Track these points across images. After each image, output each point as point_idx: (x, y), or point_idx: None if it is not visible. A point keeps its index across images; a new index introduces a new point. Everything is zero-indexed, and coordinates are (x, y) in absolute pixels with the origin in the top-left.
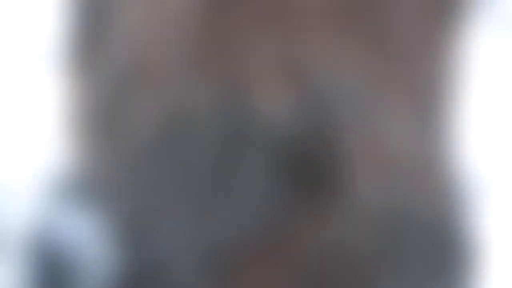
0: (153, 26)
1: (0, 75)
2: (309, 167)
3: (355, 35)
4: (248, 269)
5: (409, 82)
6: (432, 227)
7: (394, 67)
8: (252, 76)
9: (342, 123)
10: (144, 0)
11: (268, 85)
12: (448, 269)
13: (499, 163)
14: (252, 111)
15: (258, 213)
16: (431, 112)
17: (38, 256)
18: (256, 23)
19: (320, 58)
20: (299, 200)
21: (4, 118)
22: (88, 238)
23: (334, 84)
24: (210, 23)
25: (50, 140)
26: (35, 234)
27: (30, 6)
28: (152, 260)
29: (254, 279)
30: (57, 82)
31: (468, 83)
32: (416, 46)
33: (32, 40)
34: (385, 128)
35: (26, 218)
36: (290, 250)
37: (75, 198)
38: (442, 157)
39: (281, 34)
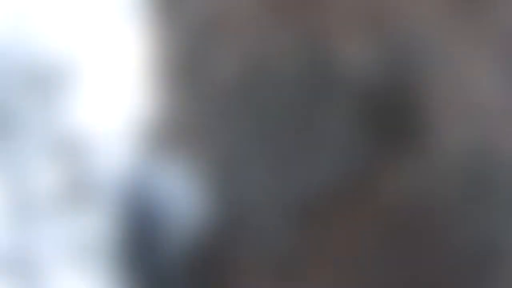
0: None
1: (86, 25)
2: (393, 116)
3: None
4: (331, 217)
5: (493, 31)
6: None
7: (478, 15)
8: (335, 25)
9: (426, 71)
10: None
11: (351, 33)
12: None
13: None
14: (335, 60)
15: (342, 162)
16: None
17: (129, 205)
18: None
19: (403, 6)
20: (383, 149)
21: (92, 69)
22: (177, 187)
23: (418, 32)
24: None
25: (137, 90)
26: (125, 184)
27: None
28: (238, 208)
29: (337, 226)
30: (142, 32)
31: None
32: None
33: None
34: (470, 76)
35: (117, 168)
36: (374, 198)
37: (163, 147)
38: None
39: None
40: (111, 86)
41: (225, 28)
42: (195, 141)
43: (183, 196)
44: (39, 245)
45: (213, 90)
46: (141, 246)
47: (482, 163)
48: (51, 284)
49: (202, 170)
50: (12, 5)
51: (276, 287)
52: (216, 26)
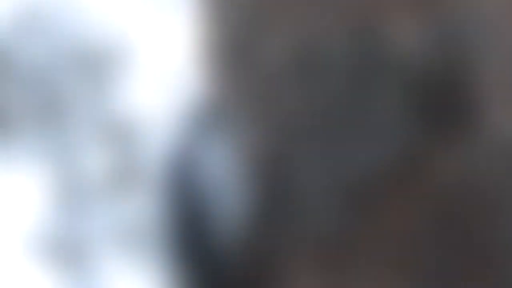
0: None
1: (137, 9)
2: (444, 99)
3: None
4: (383, 201)
5: None
6: None
7: None
8: (385, 7)
9: (478, 54)
10: None
11: (402, 15)
12: None
13: None
14: (385, 42)
15: (393, 145)
16: None
17: (178, 190)
18: None
19: None
20: (434, 132)
21: (142, 53)
22: (226, 171)
23: (469, 15)
24: None
25: (188, 74)
26: (174, 169)
27: None
28: (287, 191)
29: (389, 210)
30: (192, 15)
31: None
32: None
33: None
34: None
35: (166, 152)
36: (425, 182)
37: (214, 129)
38: None
39: None
40: (162, 70)
41: (275, 11)
42: (245, 124)
43: (232, 180)
44: (87, 229)
45: (263, 73)
46: (188, 230)
47: None
48: (98, 268)
49: (252, 153)
50: None
51: (323, 274)
52: (266, 9)
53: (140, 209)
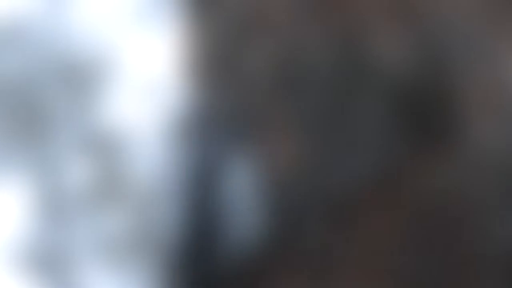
0: None
1: (122, 20)
2: (427, 110)
3: None
4: (364, 212)
5: None
6: None
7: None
8: (369, 20)
9: (459, 67)
10: None
11: (385, 28)
12: None
13: None
14: (369, 55)
15: (375, 157)
16: None
17: (163, 201)
18: None
19: (435, 2)
20: (416, 145)
21: (127, 65)
22: (213, 182)
23: (453, 27)
24: None
25: (172, 86)
26: (159, 180)
27: None
28: (270, 202)
29: (370, 222)
30: (179, 27)
31: None
32: None
33: None
34: (507, 71)
35: (150, 164)
36: (407, 194)
37: (198, 143)
38: None
39: None
40: (146, 83)
41: (260, 23)
42: (230, 135)
43: (216, 190)
44: (72, 241)
45: (249, 85)
46: (163, 244)
47: None
48: (83, 280)
49: (236, 164)
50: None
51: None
52: (252, 21)
53: (124, 222)
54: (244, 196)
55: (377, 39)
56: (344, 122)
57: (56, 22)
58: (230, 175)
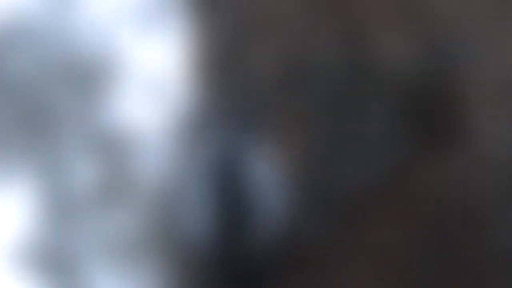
0: None
1: (128, 21)
2: (431, 112)
3: None
4: (371, 212)
5: None
6: None
7: None
8: (373, 20)
9: (464, 67)
10: None
11: (390, 28)
12: None
13: None
14: (373, 55)
15: (381, 155)
16: None
17: (168, 201)
18: None
19: (439, 2)
20: (421, 144)
21: (132, 65)
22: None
23: (458, 26)
24: None
25: (177, 86)
26: (165, 181)
27: None
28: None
29: (377, 221)
30: (183, 28)
31: None
32: None
33: None
34: (509, 71)
35: (156, 164)
36: (414, 193)
37: (202, 143)
38: None
39: None
40: (151, 82)
41: (264, 25)
42: (234, 134)
43: (216, 191)
44: (79, 242)
45: (254, 85)
46: (176, 243)
47: None
48: (90, 281)
49: (241, 164)
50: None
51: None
52: (257, 21)
53: (130, 222)
54: (257, 193)
55: (382, 39)
56: (349, 122)
57: (62, 23)
58: (240, 172)
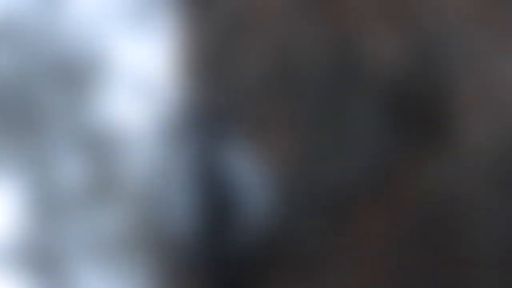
0: None
1: (116, 20)
2: (420, 112)
3: None
4: (359, 212)
5: None
6: None
7: (509, 13)
8: (361, 19)
9: (453, 67)
10: None
11: (378, 28)
12: None
13: None
14: (362, 55)
15: (369, 157)
16: None
17: (157, 200)
18: None
19: (429, 2)
20: (410, 144)
21: (121, 64)
22: (202, 178)
23: (446, 27)
24: None
25: (166, 85)
26: (153, 179)
27: None
28: (261, 203)
29: (366, 221)
30: (173, 27)
31: None
32: None
33: None
34: (499, 71)
35: (144, 163)
36: (401, 193)
37: (191, 142)
38: None
39: None
40: (140, 81)
41: (252, 25)
42: (224, 133)
43: (204, 189)
44: (66, 240)
45: (242, 83)
46: (161, 242)
47: (507, 157)
48: (77, 280)
49: (229, 162)
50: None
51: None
52: (245, 20)
53: (118, 220)
54: (241, 193)
55: (371, 39)
56: (338, 122)
57: (50, 20)
58: (225, 172)
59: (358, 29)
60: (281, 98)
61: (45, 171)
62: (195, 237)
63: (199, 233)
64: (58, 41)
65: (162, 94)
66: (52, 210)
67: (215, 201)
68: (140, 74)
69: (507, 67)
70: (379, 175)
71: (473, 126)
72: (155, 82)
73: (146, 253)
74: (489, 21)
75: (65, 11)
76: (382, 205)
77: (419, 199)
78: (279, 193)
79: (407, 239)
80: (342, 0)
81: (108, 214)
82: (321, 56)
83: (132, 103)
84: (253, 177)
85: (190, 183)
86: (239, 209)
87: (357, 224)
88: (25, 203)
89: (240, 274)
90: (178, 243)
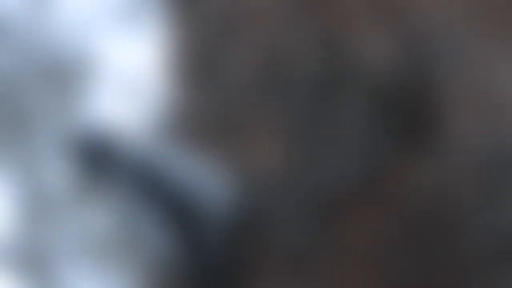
0: None
1: (105, 19)
2: (410, 111)
3: None
4: (349, 211)
5: None
6: None
7: (499, 12)
8: (353, 20)
9: (444, 67)
10: None
11: (369, 28)
12: None
13: None
14: (353, 55)
15: (359, 156)
16: None
17: (148, 199)
18: None
19: (422, 0)
20: (399, 144)
21: (110, 64)
22: (197, 181)
23: (435, 28)
24: None
25: (157, 85)
26: (144, 179)
27: None
28: (258, 202)
29: (355, 221)
30: (162, 26)
31: None
32: None
33: None
34: (490, 72)
35: (135, 163)
36: (391, 193)
37: (182, 142)
38: None
39: None
40: (129, 81)
41: (244, 23)
42: (215, 135)
43: (204, 189)
44: (54, 241)
45: (232, 84)
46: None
47: (501, 161)
48: (65, 280)
49: (222, 164)
50: None
51: (295, 282)
52: (235, 21)
53: (107, 221)
54: (225, 194)
55: (362, 39)
56: (328, 122)
57: (39, 20)
58: (212, 175)
59: (348, 29)
60: (271, 97)
61: (33, 172)
62: (171, 243)
63: (175, 237)
64: (46, 41)
65: (152, 95)
66: (40, 211)
67: (189, 207)
68: (129, 74)
69: (497, 67)
70: (369, 173)
71: (463, 125)
72: (144, 83)
73: (132, 256)
74: (483, 21)
75: (54, 11)
76: (372, 204)
77: (408, 198)
78: (270, 193)
79: (397, 238)
80: (332, 0)
81: (98, 214)
82: (312, 57)
83: (122, 104)
84: (238, 175)
85: (168, 186)
86: (217, 210)
87: (348, 223)
88: (13, 204)
89: (223, 277)
90: (155, 248)
